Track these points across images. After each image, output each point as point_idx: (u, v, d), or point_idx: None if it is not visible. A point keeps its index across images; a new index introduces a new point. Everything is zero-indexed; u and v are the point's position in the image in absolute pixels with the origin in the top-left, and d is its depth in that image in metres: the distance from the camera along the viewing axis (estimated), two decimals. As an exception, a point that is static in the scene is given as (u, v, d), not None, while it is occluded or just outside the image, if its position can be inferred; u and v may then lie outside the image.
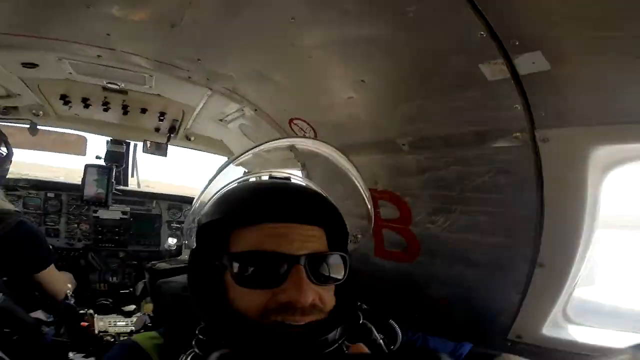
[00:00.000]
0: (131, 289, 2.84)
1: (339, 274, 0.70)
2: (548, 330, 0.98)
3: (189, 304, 0.72)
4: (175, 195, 3.31)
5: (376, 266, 1.51)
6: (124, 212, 3.01)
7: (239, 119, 2.22)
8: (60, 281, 1.86)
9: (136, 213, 3.08)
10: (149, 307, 2.56)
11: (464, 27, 0.71)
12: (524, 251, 0.94)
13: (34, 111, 2.45)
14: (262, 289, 0.64)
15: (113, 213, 2.98)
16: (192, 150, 3.16)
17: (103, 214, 2.96)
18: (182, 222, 3.25)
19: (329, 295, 0.68)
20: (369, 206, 0.91)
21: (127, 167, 3.24)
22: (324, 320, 0.65)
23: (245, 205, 0.72)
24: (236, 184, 0.79)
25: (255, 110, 1.86)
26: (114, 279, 2.96)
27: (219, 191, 0.77)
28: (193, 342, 0.67)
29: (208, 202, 0.77)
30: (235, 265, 0.65)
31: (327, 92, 1.37)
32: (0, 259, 1.51)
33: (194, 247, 0.76)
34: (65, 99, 2.23)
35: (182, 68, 1.60)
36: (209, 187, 0.79)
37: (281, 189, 0.77)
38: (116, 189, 2.96)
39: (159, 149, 2.81)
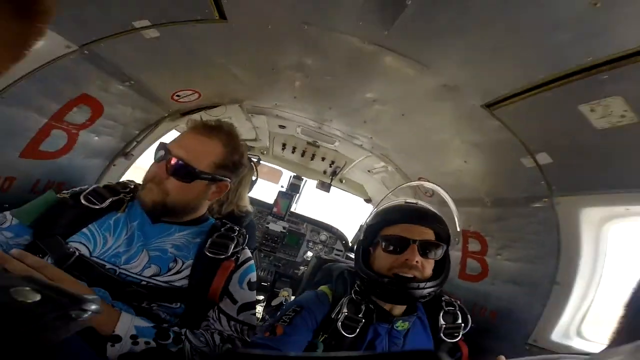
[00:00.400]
0: (268, 283, 3.98)
1: (436, 254, 1.27)
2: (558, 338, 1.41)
3: (349, 274, 1.39)
4: (317, 221, 4.37)
5: (456, 286, 2.09)
6: (283, 227, 4.17)
7: (381, 173, 3.14)
8: None
9: (290, 229, 4.21)
10: (285, 293, 3.54)
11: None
12: (550, 273, 1.47)
13: (262, 151, 3.94)
14: (394, 254, 1.25)
15: (277, 227, 4.17)
16: (336, 189, 4.23)
17: (272, 226, 4.17)
18: (317, 242, 4.34)
19: (428, 265, 1.25)
20: (458, 227, 1.58)
21: (298, 198, 4.52)
22: (421, 279, 1.23)
23: (391, 215, 1.37)
24: (385, 207, 1.49)
25: (396, 168, 2.76)
26: (262, 273, 4.03)
27: (375, 211, 1.48)
28: (352, 292, 1.28)
29: (370, 216, 1.45)
30: (384, 243, 1.28)
31: (444, 164, 2.17)
32: None
33: (361, 238, 1.42)
34: (283, 146, 3.62)
35: (359, 140, 2.67)
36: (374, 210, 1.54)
37: (411, 206, 1.42)
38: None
39: (325, 187, 4.00)
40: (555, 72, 1.06)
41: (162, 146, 1.21)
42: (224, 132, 1.26)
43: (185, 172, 1.16)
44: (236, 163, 1.28)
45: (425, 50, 1.24)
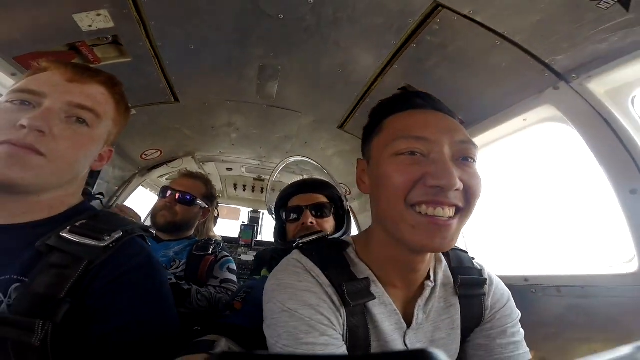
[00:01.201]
0: None
1: (326, 215, 1.58)
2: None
3: (278, 255, 1.55)
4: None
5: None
6: (254, 256, 4.89)
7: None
8: None
9: (261, 256, 4.95)
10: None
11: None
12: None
13: (218, 194, 4.78)
14: (296, 222, 1.56)
15: (249, 257, 4.89)
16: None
17: (243, 257, 4.89)
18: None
19: (325, 224, 1.56)
20: (340, 191, 1.75)
21: (260, 228, 5.29)
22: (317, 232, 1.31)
23: (287, 190, 1.69)
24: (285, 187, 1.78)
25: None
26: (242, 296, 4.70)
27: (281, 191, 1.77)
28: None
29: (277, 198, 1.76)
30: (286, 215, 1.62)
31: (345, 170, 3.10)
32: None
33: (274, 217, 1.80)
34: (235, 186, 4.47)
35: (290, 167, 3.55)
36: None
37: (302, 180, 1.75)
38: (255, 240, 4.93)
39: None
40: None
41: (166, 188, 1.93)
42: (202, 177, 2.09)
43: (187, 200, 1.90)
44: (213, 195, 2.11)
45: (293, 104, 2.20)
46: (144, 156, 2.99)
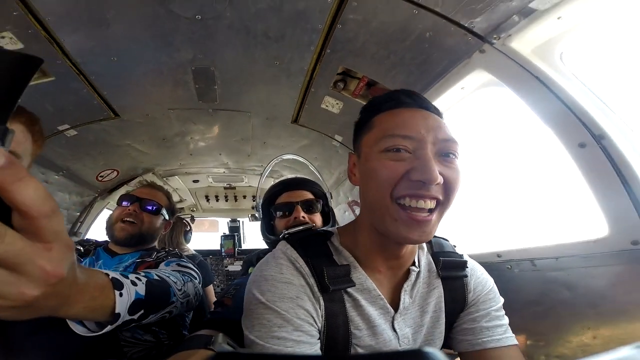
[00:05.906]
0: None
1: (315, 210, 1.69)
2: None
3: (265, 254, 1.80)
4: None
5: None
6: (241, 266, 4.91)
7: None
8: (212, 296, 3.25)
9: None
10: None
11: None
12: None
13: (192, 209, 4.75)
14: (286, 217, 1.65)
15: (236, 267, 4.87)
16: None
17: (230, 267, 4.88)
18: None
19: (315, 219, 1.68)
20: (325, 187, 1.88)
21: (242, 236, 5.28)
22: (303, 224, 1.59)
23: (275, 188, 1.77)
24: (271, 185, 1.89)
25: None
26: (234, 307, 4.69)
27: (267, 189, 1.87)
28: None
29: (264, 196, 1.86)
30: (276, 212, 1.70)
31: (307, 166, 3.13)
32: None
33: (260, 217, 1.86)
34: (207, 198, 4.45)
35: (256, 169, 3.57)
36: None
37: (289, 178, 1.86)
38: (238, 250, 4.89)
39: (255, 218, 4.81)
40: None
41: (128, 195, 1.79)
42: (164, 189, 1.97)
43: (152, 209, 1.78)
44: (174, 209, 2.00)
45: (240, 105, 2.20)
46: (99, 178, 2.96)
